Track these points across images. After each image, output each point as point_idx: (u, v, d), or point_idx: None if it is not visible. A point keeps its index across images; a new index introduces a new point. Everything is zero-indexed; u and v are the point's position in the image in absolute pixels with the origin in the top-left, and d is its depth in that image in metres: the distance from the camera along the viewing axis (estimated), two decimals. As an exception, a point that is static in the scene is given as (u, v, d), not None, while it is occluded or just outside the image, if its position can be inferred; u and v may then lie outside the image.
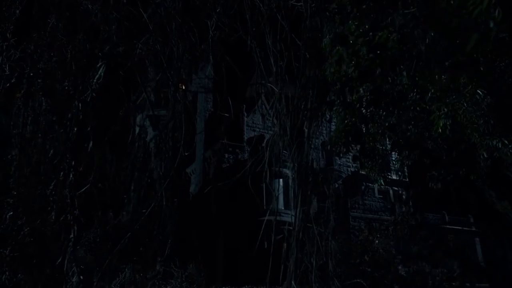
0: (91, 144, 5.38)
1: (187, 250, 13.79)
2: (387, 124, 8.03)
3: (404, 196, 44.09)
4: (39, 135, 5.31)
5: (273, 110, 5.31)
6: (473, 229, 39.30)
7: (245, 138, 40.43)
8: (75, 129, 5.28)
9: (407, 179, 43.83)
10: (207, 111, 44.27)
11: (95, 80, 5.50)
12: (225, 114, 34.96)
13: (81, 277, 5.15)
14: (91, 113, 5.45)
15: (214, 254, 28.59)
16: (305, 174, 4.75)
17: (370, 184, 42.05)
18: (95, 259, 13.98)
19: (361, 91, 5.54)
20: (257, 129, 41.80)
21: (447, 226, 37.23)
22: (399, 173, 41.35)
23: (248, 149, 39.30)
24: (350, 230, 31.88)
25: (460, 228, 38.15)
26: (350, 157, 37.18)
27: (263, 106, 40.50)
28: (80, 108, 5.36)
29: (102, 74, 5.50)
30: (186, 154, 5.65)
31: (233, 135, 40.18)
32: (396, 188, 44.44)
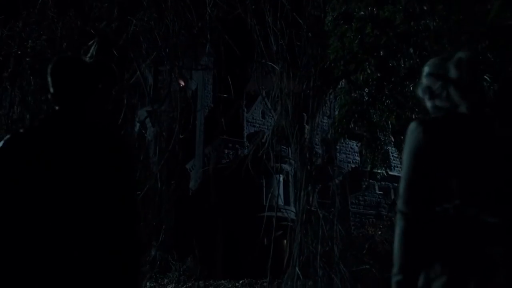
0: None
1: (186, 244, 13.53)
2: (393, 114, 7.76)
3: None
4: (27, 115, 5.00)
5: (273, 94, 5.05)
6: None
7: (245, 133, 40.11)
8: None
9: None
10: (206, 107, 43.97)
11: (86, 59, 5.22)
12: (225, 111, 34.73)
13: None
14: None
15: (214, 249, 28.33)
16: (308, 155, 4.49)
17: (371, 181, 41.78)
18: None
19: (367, 68, 5.27)
20: (257, 125, 41.47)
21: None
22: (400, 168, 40.86)
23: (248, 144, 39.02)
24: (351, 226, 31.60)
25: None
26: (350, 153, 36.93)
27: (263, 102, 40.19)
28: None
29: (94, 52, 5.22)
30: (181, 136, 5.37)
31: (233, 131, 39.88)
32: (397, 184, 44.11)
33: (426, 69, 2.07)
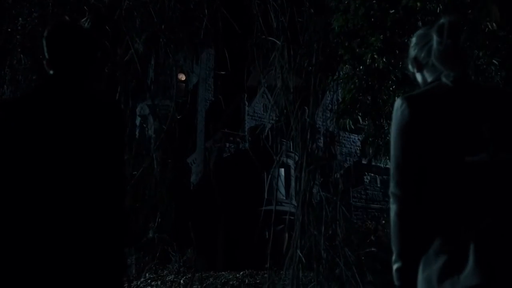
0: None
1: (186, 237, 13.37)
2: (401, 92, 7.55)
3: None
4: (18, 95, 4.78)
5: (274, 66, 4.82)
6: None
7: (246, 127, 39.97)
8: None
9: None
10: (208, 101, 43.87)
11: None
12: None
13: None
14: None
15: (215, 242, 28.27)
16: (310, 133, 4.27)
17: (372, 174, 41.68)
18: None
19: (373, 43, 5.05)
20: (258, 118, 41.32)
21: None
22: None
23: (249, 138, 38.90)
24: (353, 220, 31.47)
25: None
26: (352, 147, 36.77)
27: (265, 95, 40.10)
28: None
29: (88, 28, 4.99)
30: (179, 117, 5.16)
31: (234, 124, 39.78)
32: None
33: (412, 40, 2.04)
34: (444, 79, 1.83)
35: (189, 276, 10.03)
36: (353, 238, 4.51)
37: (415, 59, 1.99)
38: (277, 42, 4.77)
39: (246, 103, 41.18)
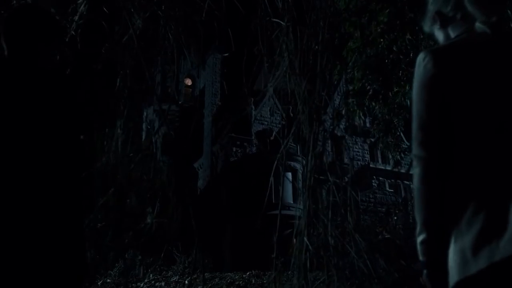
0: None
1: (192, 239, 13.12)
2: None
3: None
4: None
5: (279, 50, 4.58)
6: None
7: (253, 131, 39.78)
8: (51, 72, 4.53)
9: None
10: (214, 105, 43.76)
11: (76, 18, 4.79)
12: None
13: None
14: (70, 54, 4.71)
15: (222, 246, 28.07)
16: (316, 115, 4.02)
17: (380, 178, 41.36)
18: (95, 246, 13.36)
19: (383, 20, 4.79)
20: (266, 122, 41.11)
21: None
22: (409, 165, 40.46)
23: (256, 142, 38.72)
24: (361, 222, 31.06)
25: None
26: (360, 150, 36.52)
27: (271, 99, 39.95)
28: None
29: (85, 10, 4.79)
30: (179, 102, 4.92)
31: (241, 129, 39.61)
32: (407, 182, 43.65)
33: None
34: (479, 26, 1.56)
35: (195, 277, 9.79)
36: (364, 225, 4.23)
37: (439, 13, 1.70)
38: (282, 23, 4.53)
39: (253, 107, 41.00)
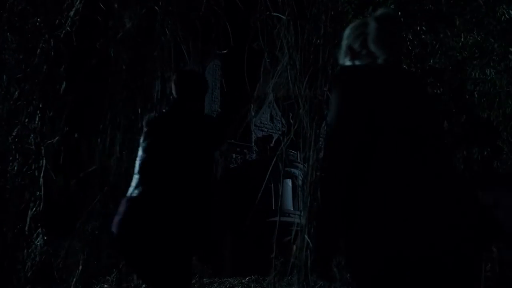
0: (63, 86, 4.56)
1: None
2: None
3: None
4: (4, 76, 4.50)
5: (278, 46, 4.47)
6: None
7: (253, 138, 39.70)
8: (45, 67, 4.45)
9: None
10: (214, 111, 43.70)
11: (71, 14, 4.69)
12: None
13: (45, 237, 4.31)
14: (65, 50, 4.63)
15: (222, 252, 27.94)
16: (318, 109, 3.91)
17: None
18: (93, 252, 13.19)
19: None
20: (265, 129, 41.04)
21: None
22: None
23: (256, 149, 38.65)
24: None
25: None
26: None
27: (272, 106, 39.91)
28: (52, 44, 4.55)
29: (80, 7, 4.69)
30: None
31: (241, 135, 39.50)
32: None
33: (346, 31, 2.10)
34: (380, 61, 1.91)
35: (193, 282, 9.61)
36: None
37: (350, 49, 2.04)
38: (282, 17, 4.42)
39: (253, 113, 40.90)
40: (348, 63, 2.05)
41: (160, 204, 2.70)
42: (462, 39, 7.72)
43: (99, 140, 4.56)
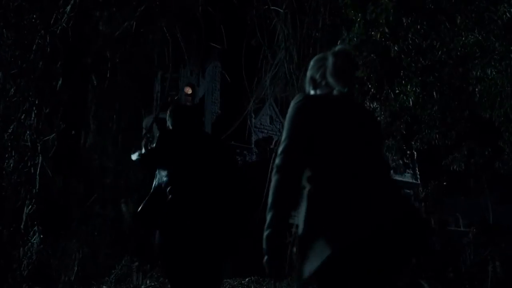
0: (60, 82, 4.50)
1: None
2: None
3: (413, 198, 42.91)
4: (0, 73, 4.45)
5: (275, 39, 4.41)
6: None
7: (253, 139, 39.62)
8: (41, 63, 4.39)
9: (419, 181, 42.73)
10: (214, 113, 43.65)
11: (67, 10, 4.63)
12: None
13: (41, 236, 4.23)
14: (61, 46, 4.57)
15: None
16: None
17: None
18: (92, 253, 13.17)
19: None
20: (265, 131, 40.99)
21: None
22: (411, 170, 40.52)
23: (256, 150, 38.56)
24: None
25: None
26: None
27: (271, 107, 39.91)
28: (48, 41, 4.49)
29: (77, 2, 4.64)
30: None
31: (241, 137, 39.43)
32: (408, 191, 43.43)
33: (310, 63, 2.40)
34: (336, 92, 2.24)
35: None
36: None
37: (312, 79, 2.36)
38: (280, 10, 4.36)
39: (253, 115, 40.89)
40: (311, 91, 2.35)
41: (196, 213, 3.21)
42: (463, 38, 7.66)
43: (98, 139, 4.48)
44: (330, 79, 2.24)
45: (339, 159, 1.99)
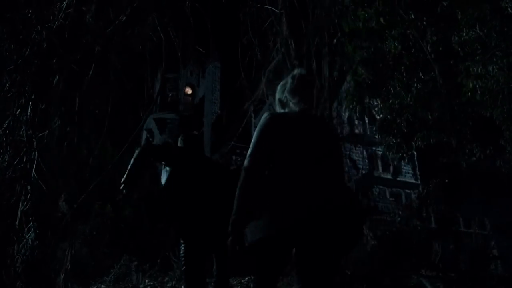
0: (56, 78, 4.44)
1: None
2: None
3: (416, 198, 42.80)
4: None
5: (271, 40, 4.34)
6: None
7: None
8: (37, 58, 4.33)
9: (419, 181, 42.69)
10: (214, 113, 43.61)
11: (63, 6, 4.57)
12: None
13: (37, 231, 4.18)
14: (58, 42, 4.51)
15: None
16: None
17: (381, 187, 41.11)
18: (91, 252, 13.16)
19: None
20: (265, 131, 40.90)
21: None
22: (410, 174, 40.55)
23: (256, 150, 38.46)
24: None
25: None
26: (360, 159, 36.13)
27: (271, 107, 39.82)
28: (44, 36, 4.43)
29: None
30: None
31: (241, 137, 39.37)
32: (408, 191, 43.36)
33: (277, 87, 2.96)
34: (296, 109, 2.76)
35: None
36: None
37: (279, 100, 2.90)
38: (276, 10, 4.30)
39: (253, 115, 40.76)
40: (280, 110, 2.88)
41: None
42: (464, 34, 7.60)
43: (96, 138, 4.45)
44: (288, 96, 2.80)
45: (290, 163, 2.53)
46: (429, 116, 9.21)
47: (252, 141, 2.61)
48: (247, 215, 2.46)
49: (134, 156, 4.22)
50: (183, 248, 4.49)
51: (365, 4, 5.62)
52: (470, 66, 7.92)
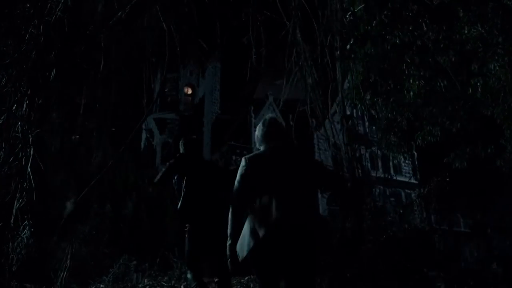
0: (53, 73, 4.36)
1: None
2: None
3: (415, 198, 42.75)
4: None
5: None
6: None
7: (253, 139, 39.52)
8: (34, 53, 4.26)
9: (418, 181, 42.65)
10: (214, 113, 43.59)
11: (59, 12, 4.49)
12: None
13: (32, 229, 4.10)
14: (55, 36, 4.44)
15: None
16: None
17: (381, 187, 41.08)
18: (90, 252, 13.08)
19: None
20: (265, 131, 40.85)
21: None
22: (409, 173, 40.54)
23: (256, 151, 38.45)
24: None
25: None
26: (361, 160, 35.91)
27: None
28: (41, 30, 4.36)
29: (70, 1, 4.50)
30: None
31: (241, 137, 39.43)
32: (408, 191, 43.36)
33: (258, 126, 3.65)
34: (267, 148, 3.44)
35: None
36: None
37: (257, 137, 3.61)
38: (287, 22, 4.23)
39: (253, 115, 40.81)
40: (260, 146, 3.54)
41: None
42: (465, 32, 7.52)
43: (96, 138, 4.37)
44: (261, 138, 3.54)
45: (266, 193, 3.16)
46: (430, 115, 9.15)
47: (236, 179, 3.31)
48: (237, 239, 3.20)
49: (163, 170, 5.37)
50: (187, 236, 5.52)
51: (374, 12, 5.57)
52: (472, 64, 7.85)
